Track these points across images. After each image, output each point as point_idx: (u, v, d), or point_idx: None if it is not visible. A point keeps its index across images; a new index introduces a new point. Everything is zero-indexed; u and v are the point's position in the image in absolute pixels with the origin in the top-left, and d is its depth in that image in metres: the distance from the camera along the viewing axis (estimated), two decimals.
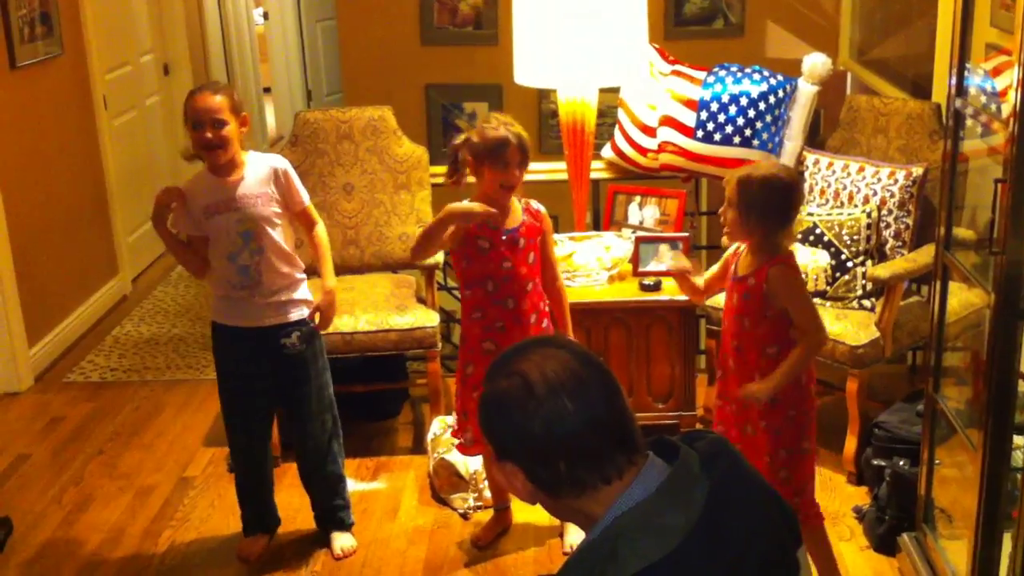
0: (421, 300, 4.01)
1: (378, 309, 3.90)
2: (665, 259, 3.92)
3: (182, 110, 3.11)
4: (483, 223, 3.06)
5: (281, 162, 3.20)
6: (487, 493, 3.59)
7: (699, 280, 3.07)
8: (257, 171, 3.14)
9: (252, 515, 3.44)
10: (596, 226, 4.48)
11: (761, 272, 2.79)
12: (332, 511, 3.45)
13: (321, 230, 3.29)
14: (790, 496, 2.81)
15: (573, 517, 1.55)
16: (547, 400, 1.47)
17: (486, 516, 3.53)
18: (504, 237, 3.10)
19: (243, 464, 3.40)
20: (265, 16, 8.84)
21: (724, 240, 2.97)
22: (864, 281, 3.70)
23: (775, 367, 2.80)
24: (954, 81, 2.83)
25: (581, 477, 1.48)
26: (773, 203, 2.78)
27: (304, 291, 3.24)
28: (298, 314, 3.21)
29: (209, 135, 3.03)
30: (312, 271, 3.34)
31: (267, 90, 9.16)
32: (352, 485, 3.74)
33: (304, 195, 3.23)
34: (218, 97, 3.04)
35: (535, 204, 3.19)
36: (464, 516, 3.59)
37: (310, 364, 3.26)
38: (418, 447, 4.04)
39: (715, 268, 3.05)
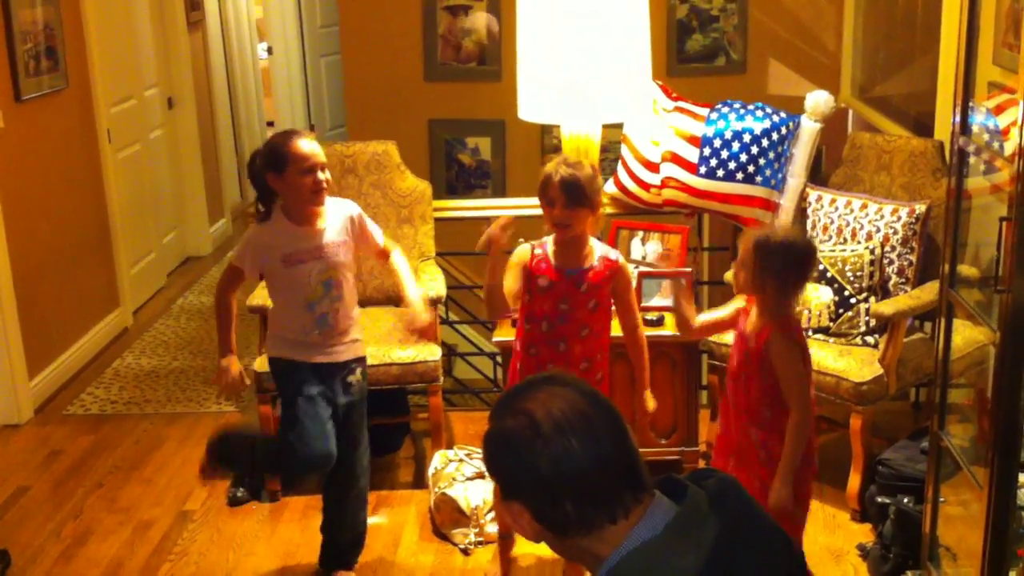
0: None
1: (380, 343, 3.90)
2: (668, 294, 3.93)
3: (264, 158, 3.03)
4: (543, 262, 3.04)
5: (355, 209, 3.22)
6: (488, 528, 3.56)
7: (697, 318, 3.05)
8: (336, 219, 3.15)
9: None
10: None
11: (763, 335, 2.77)
12: (347, 547, 3.40)
13: (398, 256, 3.30)
14: None
15: (579, 557, 1.52)
16: (554, 439, 1.45)
17: (487, 551, 3.50)
18: (565, 277, 3.06)
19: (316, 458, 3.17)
20: (269, 51, 8.89)
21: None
22: (867, 318, 3.70)
23: (768, 429, 2.79)
24: (958, 119, 2.84)
25: (589, 516, 1.46)
26: (789, 270, 2.76)
27: (362, 328, 3.30)
28: (361, 350, 3.26)
29: (321, 178, 3.03)
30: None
31: (270, 124, 9.20)
32: None
33: (379, 235, 3.26)
34: (315, 142, 3.06)
35: (613, 254, 3.10)
36: (465, 552, 3.56)
37: (364, 400, 3.30)
38: (419, 482, 4.02)
39: (720, 313, 3.03)
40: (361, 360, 3.27)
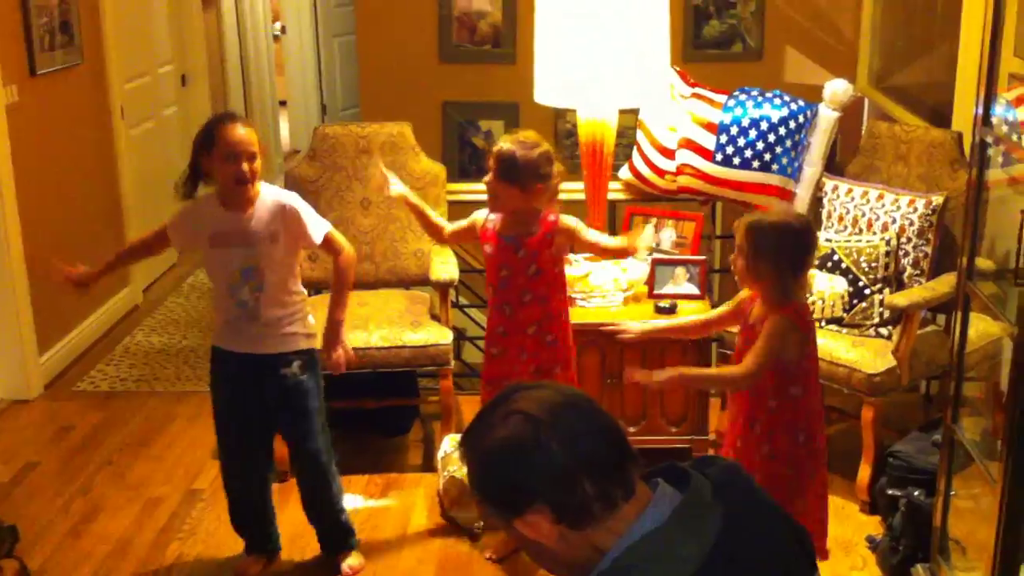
0: (435, 317, 3.99)
1: (392, 325, 3.89)
2: (682, 282, 3.92)
3: (199, 137, 3.03)
4: (490, 230, 3.23)
5: (292, 200, 3.12)
6: None
7: (695, 316, 3.10)
8: (267, 208, 3.07)
9: (248, 538, 3.41)
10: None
11: (764, 322, 2.74)
12: (337, 536, 3.40)
13: (345, 259, 3.19)
14: None
15: (583, 556, 1.47)
16: (555, 422, 1.44)
17: (496, 535, 3.50)
18: (504, 243, 3.19)
19: (235, 489, 3.34)
20: (283, 30, 8.87)
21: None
22: (881, 309, 3.68)
23: (774, 421, 2.77)
24: (981, 111, 2.81)
25: (607, 493, 1.44)
26: (784, 250, 2.71)
27: (306, 323, 3.19)
28: (298, 344, 3.16)
29: (245, 168, 2.98)
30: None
31: (283, 103, 9.19)
32: (361, 502, 3.73)
33: (318, 230, 3.13)
34: (249, 130, 3.01)
35: (553, 216, 3.20)
36: (473, 535, 3.56)
37: (311, 394, 3.20)
38: (428, 464, 4.02)
39: (724, 308, 3.02)
40: (303, 353, 3.15)
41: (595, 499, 1.44)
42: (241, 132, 2.98)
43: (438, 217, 3.47)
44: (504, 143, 3.13)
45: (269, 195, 3.10)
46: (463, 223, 3.36)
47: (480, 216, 3.30)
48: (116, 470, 4.06)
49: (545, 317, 3.25)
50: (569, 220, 3.24)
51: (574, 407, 1.48)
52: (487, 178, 3.15)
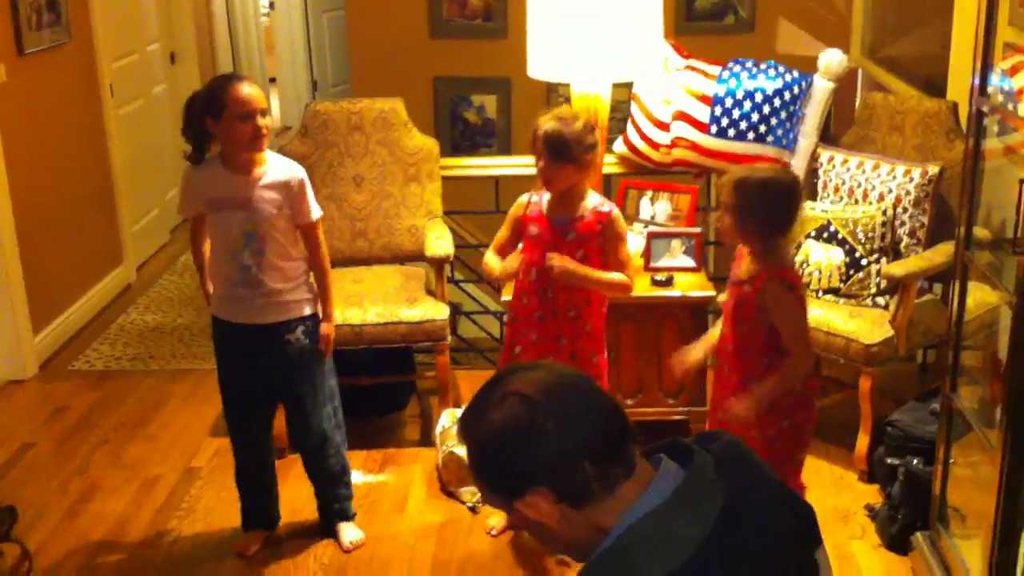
0: (431, 293, 3.98)
1: (388, 302, 3.88)
2: (677, 255, 3.91)
3: (202, 103, 2.99)
4: (536, 212, 3.16)
5: (300, 172, 3.12)
6: None
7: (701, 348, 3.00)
8: (274, 175, 3.07)
9: (251, 510, 3.42)
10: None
11: (757, 280, 2.72)
12: (335, 501, 3.42)
13: (324, 258, 3.19)
14: None
15: (585, 536, 1.47)
16: (551, 403, 1.43)
17: (495, 510, 3.50)
18: (553, 225, 3.12)
19: (243, 459, 3.37)
20: (271, 6, 8.82)
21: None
22: (878, 279, 3.67)
23: (767, 376, 2.76)
24: (977, 81, 2.80)
25: (608, 471, 1.44)
26: (772, 206, 2.69)
27: (308, 288, 3.19)
28: (302, 310, 3.16)
29: (260, 123, 2.96)
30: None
31: (272, 80, 9.14)
32: (359, 478, 3.72)
33: (313, 210, 3.13)
34: (255, 87, 2.99)
35: (607, 206, 3.14)
36: (473, 510, 3.56)
37: (314, 359, 3.21)
38: (426, 440, 4.02)
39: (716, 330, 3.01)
40: (305, 319, 3.16)
41: (595, 479, 1.43)
42: (249, 90, 2.97)
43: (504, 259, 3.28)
44: (545, 124, 3.05)
45: (278, 163, 3.11)
46: (507, 226, 3.24)
47: (521, 201, 3.22)
48: (112, 450, 4.05)
49: (585, 304, 3.19)
50: (621, 223, 3.17)
51: (571, 387, 1.47)
52: (539, 163, 3.06)
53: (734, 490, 1.45)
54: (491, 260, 3.24)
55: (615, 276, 3.12)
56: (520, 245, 3.23)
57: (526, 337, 3.24)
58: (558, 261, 3.06)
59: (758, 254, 2.74)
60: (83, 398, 4.47)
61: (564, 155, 3.02)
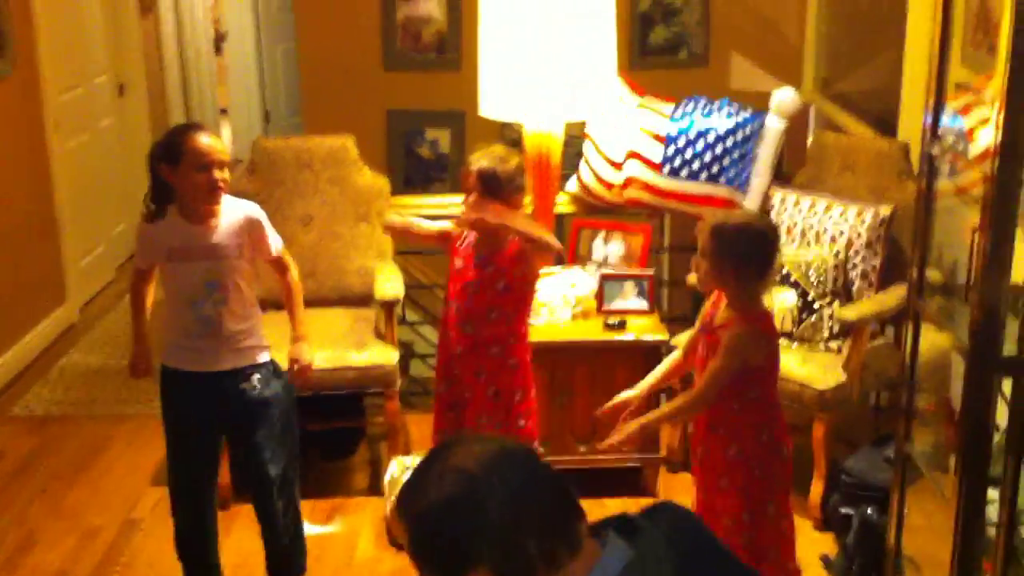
0: (381, 336, 3.90)
1: (336, 346, 3.79)
2: (630, 296, 3.87)
3: (160, 149, 2.93)
4: (464, 246, 3.20)
5: (255, 211, 3.06)
6: None
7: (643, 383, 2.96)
8: (232, 219, 3.00)
9: (192, 569, 3.29)
10: (559, 261, 4.39)
11: (727, 327, 2.68)
12: (288, 555, 3.29)
13: (294, 277, 3.16)
14: (752, 563, 2.71)
15: None
16: (493, 479, 1.37)
17: None
18: (476, 259, 3.13)
19: (185, 513, 3.22)
20: (223, 36, 8.73)
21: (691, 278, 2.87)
22: (831, 323, 3.65)
23: (738, 422, 2.71)
24: (930, 122, 2.78)
25: (551, 551, 1.38)
26: (749, 252, 2.65)
27: (262, 335, 3.11)
28: (256, 357, 3.08)
29: (217, 176, 2.89)
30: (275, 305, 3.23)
31: (223, 111, 9.03)
32: (306, 528, 3.60)
33: (275, 243, 3.10)
34: (216, 138, 2.94)
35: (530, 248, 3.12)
36: None
37: (272, 405, 3.11)
38: (375, 488, 3.93)
39: (692, 331, 2.95)
40: (260, 367, 3.09)
41: (539, 558, 1.37)
42: (208, 141, 2.91)
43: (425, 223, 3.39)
44: (479, 161, 3.07)
45: (232, 206, 3.03)
46: (445, 225, 3.30)
47: (462, 231, 3.24)
48: (51, 499, 3.92)
49: (511, 336, 3.16)
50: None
51: (515, 462, 1.41)
52: (470, 198, 3.07)
53: (685, 567, 1.40)
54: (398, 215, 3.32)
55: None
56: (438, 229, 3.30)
57: (449, 371, 3.24)
58: (475, 214, 3.04)
59: (733, 300, 2.70)
60: (21, 444, 4.34)
61: (494, 192, 3.04)
